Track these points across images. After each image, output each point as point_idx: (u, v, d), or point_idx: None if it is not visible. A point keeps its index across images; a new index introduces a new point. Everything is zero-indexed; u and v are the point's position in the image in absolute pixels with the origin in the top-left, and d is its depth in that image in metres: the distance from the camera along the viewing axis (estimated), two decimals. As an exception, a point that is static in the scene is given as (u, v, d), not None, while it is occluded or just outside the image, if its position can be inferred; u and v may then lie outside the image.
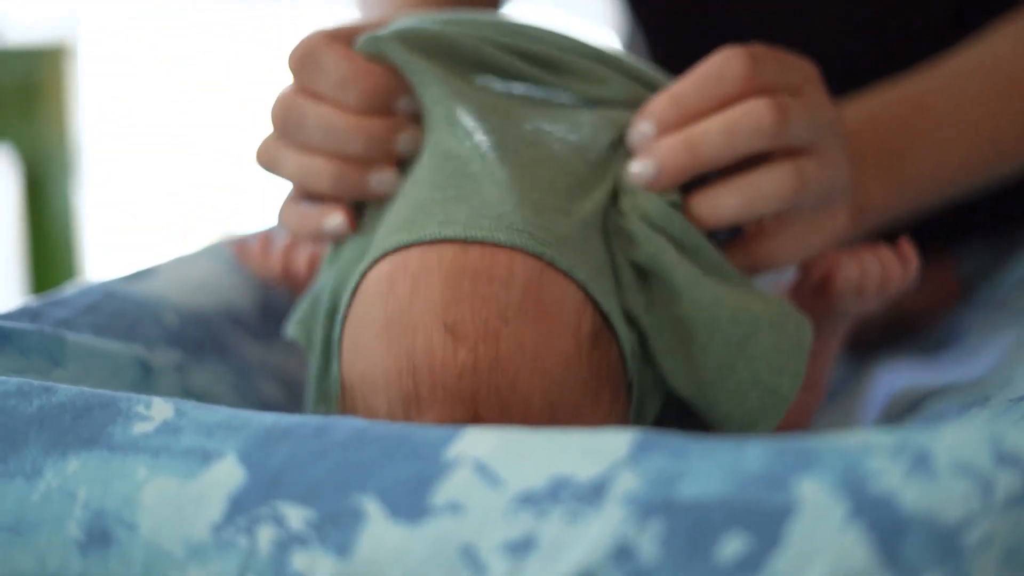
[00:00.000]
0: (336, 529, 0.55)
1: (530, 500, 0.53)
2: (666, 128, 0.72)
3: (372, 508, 0.55)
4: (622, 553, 0.51)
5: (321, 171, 0.76)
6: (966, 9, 1.07)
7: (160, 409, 0.62)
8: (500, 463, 0.55)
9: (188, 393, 0.80)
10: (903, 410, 0.79)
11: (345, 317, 0.71)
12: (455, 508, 0.54)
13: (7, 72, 2.29)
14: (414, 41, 0.76)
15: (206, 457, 0.59)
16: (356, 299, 0.70)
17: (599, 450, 0.54)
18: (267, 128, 0.79)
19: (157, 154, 3.03)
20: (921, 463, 0.50)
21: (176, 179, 3.07)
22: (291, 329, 0.78)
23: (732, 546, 0.50)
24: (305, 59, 0.77)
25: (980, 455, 0.50)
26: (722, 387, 0.70)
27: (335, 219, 0.77)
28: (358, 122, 0.75)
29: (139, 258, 2.60)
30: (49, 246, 2.36)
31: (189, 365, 0.82)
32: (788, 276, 0.80)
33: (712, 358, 0.70)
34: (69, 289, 0.83)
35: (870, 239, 0.82)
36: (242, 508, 0.57)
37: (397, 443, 0.57)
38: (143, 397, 0.63)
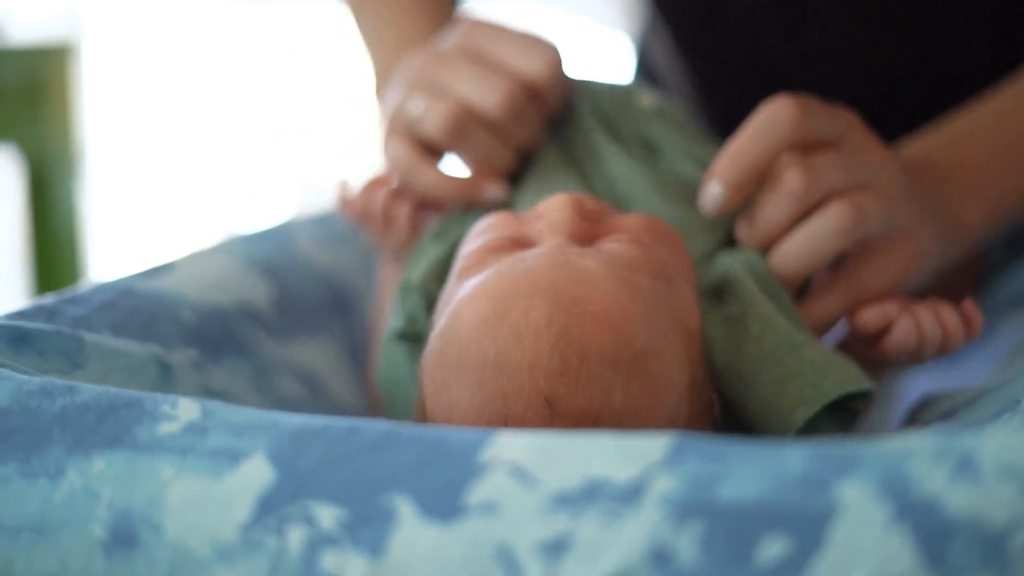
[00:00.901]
0: (368, 529, 0.54)
1: (566, 500, 0.53)
2: (735, 188, 0.77)
3: (405, 508, 0.54)
4: (660, 555, 0.50)
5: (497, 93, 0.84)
6: (1004, 50, 1.08)
7: (186, 409, 0.61)
8: (535, 464, 0.54)
9: (208, 392, 0.79)
10: (935, 417, 0.78)
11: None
12: (490, 508, 0.53)
13: (11, 72, 2.28)
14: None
15: (234, 457, 0.58)
16: (456, 315, 0.69)
17: (635, 452, 0.54)
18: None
19: (161, 153, 3.02)
20: (966, 466, 0.50)
21: (180, 178, 3.06)
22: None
23: (773, 549, 0.49)
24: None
25: None
26: (765, 373, 0.72)
27: (494, 189, 0.86)
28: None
29: (143, 257, 2.60)
30: (53, 246, 2.35)
31: (207, 363, 0.81)
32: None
33: (761, 348, 0.72)
34: (85, 286, 0.82)
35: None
36: (271, 508, 0.56)
37: (431, 445, 0.56)
38: (168, 396, 0.62)
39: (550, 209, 0.74)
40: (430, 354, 0.69)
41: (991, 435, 0.51)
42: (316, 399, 0.90)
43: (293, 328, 0.91)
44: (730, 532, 0.50)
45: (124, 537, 0.58)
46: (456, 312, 0.69)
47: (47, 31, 2.43)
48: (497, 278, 0.68)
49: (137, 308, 0.81)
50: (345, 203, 0.90)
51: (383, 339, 0.81)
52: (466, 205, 0.86)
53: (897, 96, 1.11)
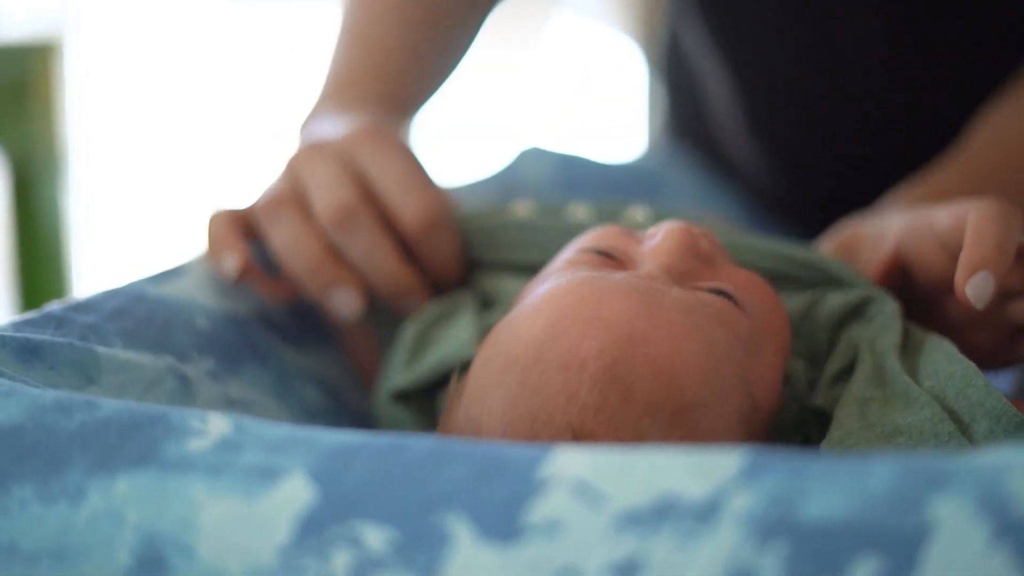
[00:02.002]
0: (421, 551, 0.51)
1: (636, 519, 0.49)
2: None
3: (460, 528, 0.50)
4: None
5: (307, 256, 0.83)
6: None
7: (217, 424, 0.57)
8: (601, 480, 0.51)
9: (229, 402, 0.75)
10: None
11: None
12: (553, 527, 0.50)
13: (-6, 70, 2.25)
14: None
15: (271, 475, 0.54)
16: (512, 324, 0.67)
17: (707, 467, 0.50)
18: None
19: (147, 153, 2.99)
20: None
21: (166, 178, 3.03)
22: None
23: (864, 571, 0.46)
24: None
25: None
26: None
27: (231, 261, 0.83)
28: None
29: (128, 258, 2.56)
30: (38, 247, 2.32)
31: (225, 373, 0.78)
32: None
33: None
34: (94, 292, 0.78)
35: None
36: (314, 529, 0.52)
37: (484, 462, 0.53)
38: (196, 411, 0.58)
39: (662, 236, 0.70)
40: (478, 359, 0.67)
41: (1094, 447, 0.48)
42: (340, 406, 0.86)
43: (310, 334, 0.88)
44: (817, 553, 0.47)
45: (152, 563, 0.54)
46: (513, 321, 0.66)
47: (30, 29, 2.39)
48: (565, 293, 0.65)
49: (149, 315, 0.77)
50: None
51: (381, 396, 0.80)
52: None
53: (919, 99, 1.12)
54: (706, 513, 0.49)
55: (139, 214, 2.97)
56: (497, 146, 3.20)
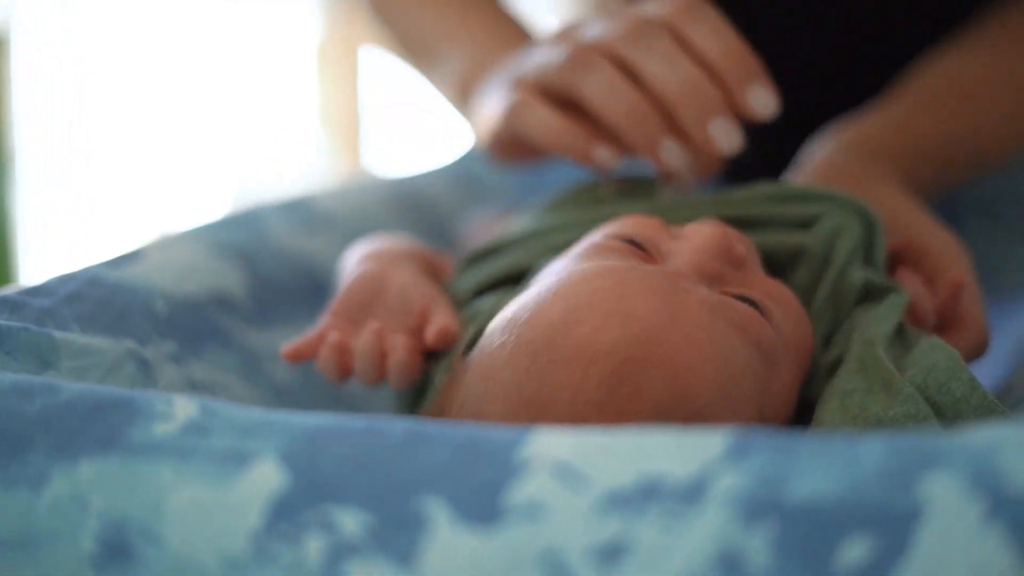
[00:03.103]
0: (398, 535, 0.49)
1: (619, 501, 0.48)
2: None
3: (439, 512, 0.49)
4: (729, 560, 0.46)
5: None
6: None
7: (184, 407, 0.56)
8: (582, 461, 0.49)
9: (193, 386, 0.74)
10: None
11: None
12: (534, 510, 0.48)
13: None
14: None
15: (241, 459, 0.53)
16: (527, 307, 0.65)
17: (692, 447, 0.49)
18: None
19: (93, 150, 2.96)
20: None
21: (113, 175, 2.99)
22: None
23: (854, 552, 0.45)
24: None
25: None
26: None
27: (604, 153, 0.79)
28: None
29: (76, 253, 2.53)
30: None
31: (187, 356, 0.76)
32: None
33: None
34: (50, 276, 0.76)
35: None
36: (286, 514, 0.51)
37: (463, 444, 0.51)
38: (162, 394, 0.57)
39: (696, 235, 0.68)
40: (484, 342, 0.65)
41: (1087, 424, 0.47)
42: (309, 384, 0.85)
43: (271, 315, 0.86)
44: (806, 533, 0.46)
45: (118, 550, 0.52)
46: (530, 301, 0.64)
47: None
48: (588, 280, 0.64)
49: (106, 299, 0.75)
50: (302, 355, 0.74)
51: None
52: (573, 158, 0.80)
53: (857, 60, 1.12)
54: (692, 494, 0.47)
55: (85, 209, 2.93)
56: (456, 134, 3.20)
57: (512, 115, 0.80)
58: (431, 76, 1.02)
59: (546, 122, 0.80)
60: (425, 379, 0.73)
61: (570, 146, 0.79)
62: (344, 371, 0.72)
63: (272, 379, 0.81)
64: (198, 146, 3.10)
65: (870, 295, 0.73)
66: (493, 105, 0.84)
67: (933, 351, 0.66)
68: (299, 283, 0.92)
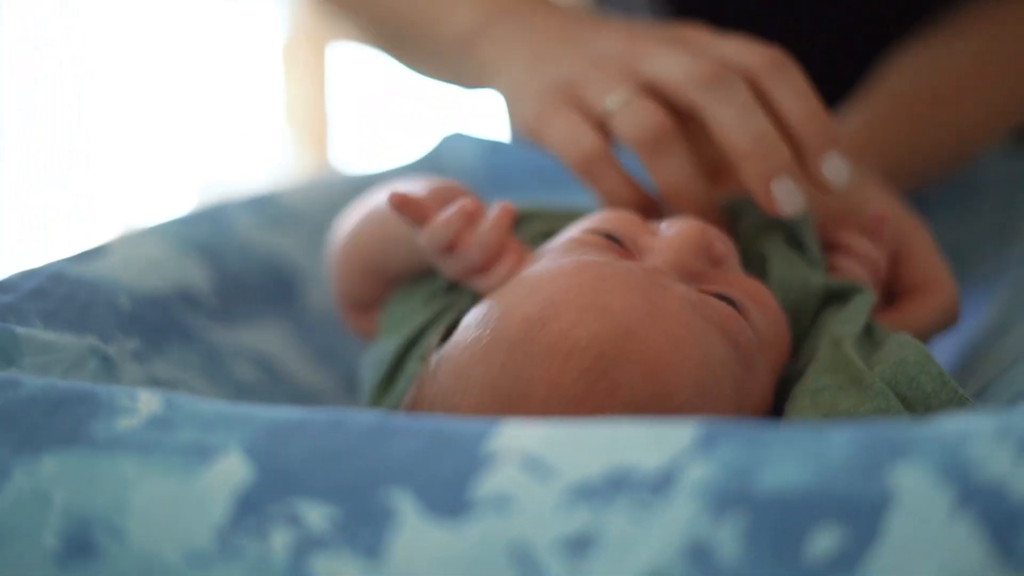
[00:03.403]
0: (364, 528, 0.49)
1: (588, 492, 0.47)
2: None
3: (405, 504, 0.49)
4: (698, 551, 0.46)
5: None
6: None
7: (147, 401, 0.55)
8: (550, 453, 0.49)
9: (155, 383, 0.73)
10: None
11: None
12: (502, 502, 0.48)
13: None
14: None
15: (206, 453, 0.52)
16: (503, 301, 0.64)
17: (661, 438, 0.49)
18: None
19: (59, 145, 2.94)
20: None
21: (78, 170, 2.97)
22: None
23: (824, 542, 0.45)
24: None
25: None
26: None
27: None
28: None
29: (40, 251, 2.51)
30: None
31: (150, 353, 0.75)
32: None
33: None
34: (12, 272, 0.75)
35: None
36: (251, 508, 0.50)
37: (429, 436, 0.51)
38: (125, 388, 0.56)
39: (674, 232, 0.67)
40: (459, 336, 0.65)
41: (1054, 412, 0.47)
42: (275, 382, 0.84)
43: (236, 312, 0.86)
44: (776, 523, 0.45)
45: (81, 546, 0.52)
46: (508, 295, 0.64)
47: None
48: (566, 275, 0.63)
49: (70, 295, 0.74)
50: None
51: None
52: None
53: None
54: (661, 485, 0.47)
55: (51, 204, 2.91)
56: (420, 130, 3.19)
57: (581, 168, 0.76)
58: (413, 54, 0.98)
59: (618, 187, 0.77)
60: (395, 367, 0.72)
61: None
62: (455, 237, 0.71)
63: (235, 377, 0.80)
64: (164, 143, 3.08)
65: (835, 298, 0.73)
66: (591, 98, 0.78)
67: (902, 347, 0.66)
68: (265, 279, 0.91)
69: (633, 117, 0.74)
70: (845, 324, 0.69)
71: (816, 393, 0.65)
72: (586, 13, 0.83)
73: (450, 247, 0.71)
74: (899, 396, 0.64)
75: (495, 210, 0.70)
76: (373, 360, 0.75)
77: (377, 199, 0.80)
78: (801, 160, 0.74)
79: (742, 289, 0.67)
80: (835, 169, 0.74)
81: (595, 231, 0.68)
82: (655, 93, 0.75)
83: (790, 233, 0.76)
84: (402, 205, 0.70)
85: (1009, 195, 1.13)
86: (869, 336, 0.70)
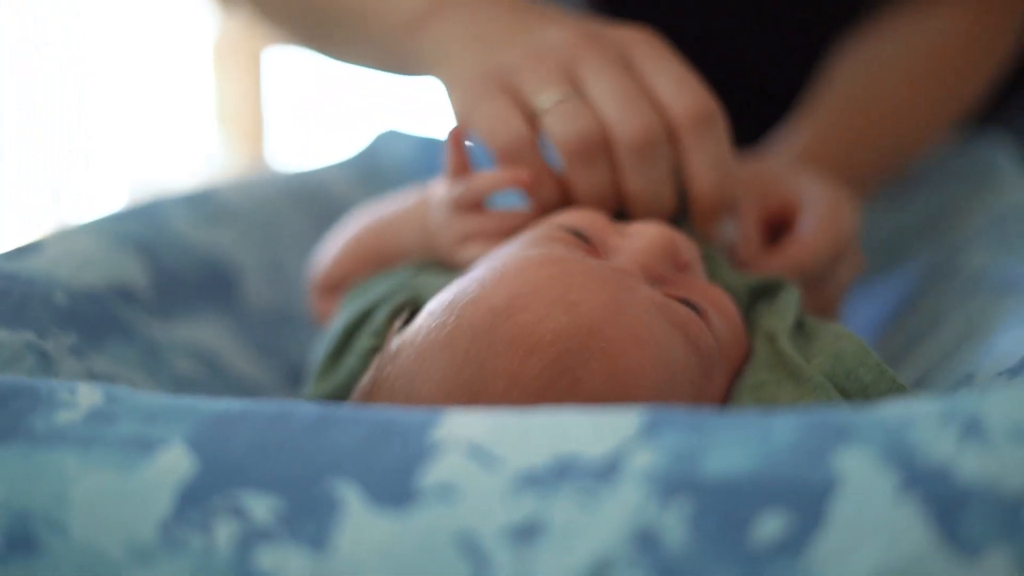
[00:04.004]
0: (309, 520, 0.48)
1: (533, 480, 0.47)
2: None
3: (350, 495, 0.48)
4: (645, 537, 0.46)
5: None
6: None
7: (87, 395, 0.54)
8: (494, 442, 0.49)
9: (93, 378, 0.72)
10: None
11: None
12: (447, 491, 0.48)
13: None
14: None
15: (147, 446, 0.51)
16: (468, 289, 0.64)
17: (606, 425, 0.49)
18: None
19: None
20: (973, 429, 0.46)
21: (9, 169, 2.95)
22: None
23: (770, 526, 0.45)
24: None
25: None
26: None
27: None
28: None
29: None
30: None
31: (88, 348, 0.74)
32: None
33: None
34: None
35: None
36: (194, 500, 0.50)
37: (373, 426, 0.51)
38: (65, 382, 0.56)
39: (643, 235, 0.67)
40: (422, 321, 0.64)
41: (996, 396, 0.47)
42: (216, 376, 0.84)
43: (174, 307, 0.85)
44: (722, 509, 0.46)
45: (22, 542, 0.51)
46: (474, 283, 0.63)
47: None
48: (535, 267, 0.63)
49: (4, 292, 0.73)
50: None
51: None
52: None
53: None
54: (606, 472, 0.47)
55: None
56: (352, 128, 3.18)
57: (506, 153, 0.76)
58: (346, 44, 0.96)
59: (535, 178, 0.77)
60: (344, 342, 0.73)
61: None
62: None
63: (174, 372, 0.80)
64: (94, 142, 3.06)
65: (761, 294, 0.73)
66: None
67: (838, 339, 0.67)
68: (202, 275, 0.90)
69: (564, 119, 0.74)
70: (777, 319, 0.69)
71: (756, 389, 0.65)
72: (535, 5, 0.82)
73: (474, 205, 0.74)
74: (838, 388, 0.64)
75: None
76: (325, 336, 0.75)
77: (410, 197, 0.83)
78: (693, 217, 0.77)
79: (705, 296, 0.67)
80: (721, 230, 0.78)
81: (564, 227, 0.68)
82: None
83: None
84: (456, 143, 0.74)
85: (941, 187, 1.14)
86: (801, 329, 0.70)
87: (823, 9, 1.10)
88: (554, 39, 0.77)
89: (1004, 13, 1.06)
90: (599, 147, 0.74)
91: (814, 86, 1.05)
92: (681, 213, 0.77)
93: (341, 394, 0.71)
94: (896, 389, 0.64)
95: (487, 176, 0.75)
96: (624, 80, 0.74)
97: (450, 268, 0.75)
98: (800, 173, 0.85)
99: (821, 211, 0.82)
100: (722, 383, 0.66)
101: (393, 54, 0.89)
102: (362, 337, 0.70)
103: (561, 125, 0.74)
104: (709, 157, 0.75)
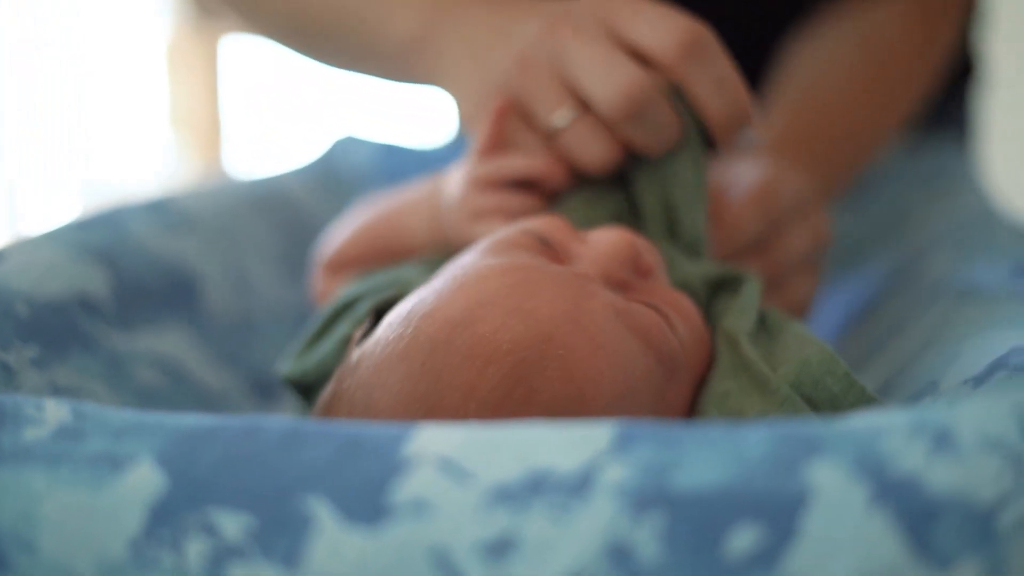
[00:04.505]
0: (281, 537, 0.48)
1: (506, 495, 0.48)
2: None
3: (322, 511, 0.48)
4: (618, 551, 0.46)
5: None
6: None
7: (54, 411, 0.54)
8: (466, 457, 0.49)
9: (56, 391, 0.71)
10: None
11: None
12: (420, 507, 0.48)
13: None
14: None
15: (117, 463, 0.51)
16: (427, 300, 0.64)
17: (578, 440, 0.49)
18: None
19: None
20: (944, 441, 0.46)
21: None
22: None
23: (743, 540, 0.45)
24: None
25: (1008, 429, 0.46)
26: None
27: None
28: None
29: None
30: None
31: (51, 360, 0.74)
32: None
33: None
34: None
35: None
36: (165, 518, 0.50)
37: (344, 442, 0.50)
38: (31, 398, 0.55)
39: (604, 241, 0.68)
40: (381, 332, 0.64)
41: (967, 406, 0.48)
42: (178, 386, 0.83)
43: (136, 317, 0.84)
44: (694, 523, 0.46)
45: (-10, 560, 0.51)
46: (432, 293, 0.63)
47: None
48: (495, 276, 0.63)
49: None
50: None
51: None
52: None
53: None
54: (579, 486, 0.47)
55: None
56: (311, 128, 3.17)
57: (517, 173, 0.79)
58: (351, 58, 0.97)
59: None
60: (327, 325, 0.74)
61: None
62: None
63: (137, 383, 0.79)
64: (47, 146, 3.04)
65: (723, 287, 0.74)
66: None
67: (802, 344, 0.67)
68: (164, 284, 0.90)
69: (581, 141, 0.77)
70: (738, 317, 0.70)
71: (722, 399, 0.65)
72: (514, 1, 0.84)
73: (496, 184, 0.76)
74: (805, 398, 0.64)
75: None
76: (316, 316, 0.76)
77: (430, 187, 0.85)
78: (714, 137, 0.79)
79: (667, 300, 0.67)
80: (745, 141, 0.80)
81: (529, 232, 0.68)
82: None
83: (669, 225, 0.79)
84: (499, 120, 0.78)
85: (900, 190, 1.15)
86: (763, 325, 0.71)
87: (768, 8, 1.11)
88: (536, 32, 0.78)
89: (942, 12, 1.08)
90: (614, 163, 0.78)
91: (765, 87, 1.06)
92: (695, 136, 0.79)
93: (312, 378, 0.71)
94: (866, 400, 0.64)
95: (520, 162, 0.77)
96: (605, 62, 0.76)
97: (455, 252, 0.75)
98: (737, 162, 0.87)
99: (747, 182, 0.84)
100: (686, 389, 0.66)
101: (397, 71, 0.91)
102: (343, 323, 0.71)
103: (578, 148, 0.77)
104: (709, 80, 0.76)
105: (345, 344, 0.70)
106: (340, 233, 0.86)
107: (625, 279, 0.66)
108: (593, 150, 0.77)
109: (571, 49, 0.76)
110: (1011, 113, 2.38)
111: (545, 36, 0.77)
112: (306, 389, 0.73)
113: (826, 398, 0.64)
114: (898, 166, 1.19)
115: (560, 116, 0.77)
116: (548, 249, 0.67)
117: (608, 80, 0.74)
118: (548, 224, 0.69)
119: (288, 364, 0.73)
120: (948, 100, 1.23)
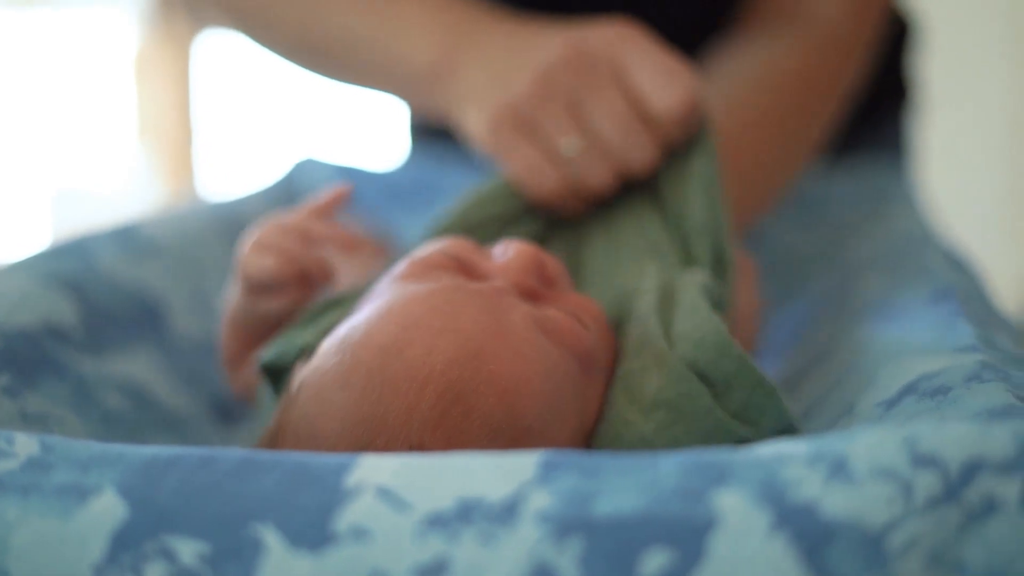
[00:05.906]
0: (234, 562, 0.52)
1: (439, 522, 0.52)
2: None
3: (271, 538, 0.52)
4: (542, 574, 0.50)
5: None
6: None
7: (24, 444, 0.58)
8: (404, 487, 0.53)
9: (25, 418, 0.75)
10: None
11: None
12: (360, 534, 0.52)
13: None
14: None
15: (82, 494, 0.55)
16: (358, 329, 0.67)
17: (507, 469, 0.53)
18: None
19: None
20: (839, 469, 0.50)
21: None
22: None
23: (655, 562, 0.49)
24: None
25: (898, 458, 0.50)
26: None
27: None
28: None
29: None
30: None
31: (22, 388, 0.77)
32: None
33: None
34: None
35: None
36: (126, 546, 0.54)
37: (293, 472, 0.54)
38: (2, 432, 0.59)
39: (512, 254, 0.72)
40: (319, 361, 0.67)
41: (862, 437, 0.52)
42: (144, 410, 0.87)
43: (104, 342, 0.87)
44: (610, 548, 0.50)
45: (-39, 587, 0.55)
46: (363, 321, 0.67)
47: None
48: (420, 300, 0.66)
49: None
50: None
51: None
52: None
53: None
54: (506, 514, 0.51)
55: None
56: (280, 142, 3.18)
57: (531, 188, 0.88)
58: (363, 74, 1.02)
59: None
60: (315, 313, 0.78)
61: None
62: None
63: (103, 408, 0.83)
64: (14, 157, 3.05)
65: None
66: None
67: (698, 321, 0.71)
68: (131, 309, 0.93)
69: (590, 171, 0.86)
70: (645, 295, 0.76)
71: (625, 379, 0.70)
72: (527, 26, 0.92)
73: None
74: (700, 376, 0.68)
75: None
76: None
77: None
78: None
79: (575, 304, 0.72)
80: None
81: (442, 252, 0.72)
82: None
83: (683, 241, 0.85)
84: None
85: (841, 212, 1.19)
86: (666, 290, 0.77)
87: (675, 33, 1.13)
88: (549, 59, 0.86)
89: (849, 43, 1.10)
90: (616, 186, 0.88)
91: None
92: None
93: (291, 359, 0.73)
94: (756, 379, 0.68)
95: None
96: (613, 106, 0.85)
97: None
98: None
99: None
100: (601, 382, 0.70)
101: (412, 92, 0.99)
102: (331, 313, 0.75)
103: (588, 177, 0.87)
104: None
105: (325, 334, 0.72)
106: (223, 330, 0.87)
107: (535, 288, 0.71)
108: (596, 175, 0.86)
109: (582, 93, 0.86)
110: (948, 134, 2.43)
111: (562, 68, 0.86)
112: (281, 372, 0.74)
113: (720, 376, 0.68)
114: (841, 186, 1.23)
115: (568, 145, 0.85)
116: (463, 267, 0.72)
117: (614, 130, 0.85)
118: (456, 244, 0.74)
119: (269, 352, 0.75)
120: (885, 122, 1.27)
